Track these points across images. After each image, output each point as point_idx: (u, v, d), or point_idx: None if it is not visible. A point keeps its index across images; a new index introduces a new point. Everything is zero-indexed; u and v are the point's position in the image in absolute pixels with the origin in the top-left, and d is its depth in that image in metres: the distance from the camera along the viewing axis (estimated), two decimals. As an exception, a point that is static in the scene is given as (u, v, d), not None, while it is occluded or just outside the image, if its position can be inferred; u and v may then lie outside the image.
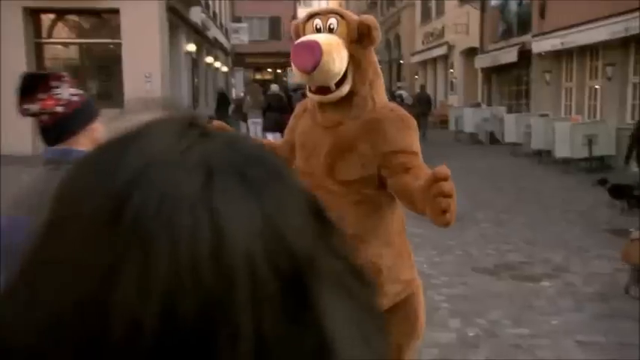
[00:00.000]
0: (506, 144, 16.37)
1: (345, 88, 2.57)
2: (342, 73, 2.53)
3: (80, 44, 16.07)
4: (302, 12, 48.33)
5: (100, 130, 1.90)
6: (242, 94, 20.30)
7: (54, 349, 0.34)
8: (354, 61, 2.58)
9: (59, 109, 1.77)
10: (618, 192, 8.67)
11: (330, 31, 2.61)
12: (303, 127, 2.75)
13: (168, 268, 0.33)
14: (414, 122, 2.73)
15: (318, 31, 2.64)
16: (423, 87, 21.96)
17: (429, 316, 4.14)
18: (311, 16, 2.71)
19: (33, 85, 1.76)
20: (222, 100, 20.84)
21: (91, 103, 1.93)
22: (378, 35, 2.72)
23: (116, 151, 0.37)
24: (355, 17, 2.68)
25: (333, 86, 2.55)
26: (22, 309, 0.35)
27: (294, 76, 2.63)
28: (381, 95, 2.81)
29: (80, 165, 0.39)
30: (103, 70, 16.21)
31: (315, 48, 2.45)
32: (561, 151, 12.64)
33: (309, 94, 2.66)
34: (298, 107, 2.96)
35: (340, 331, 0.36)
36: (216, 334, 0.33)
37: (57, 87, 1.80)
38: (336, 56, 2.50)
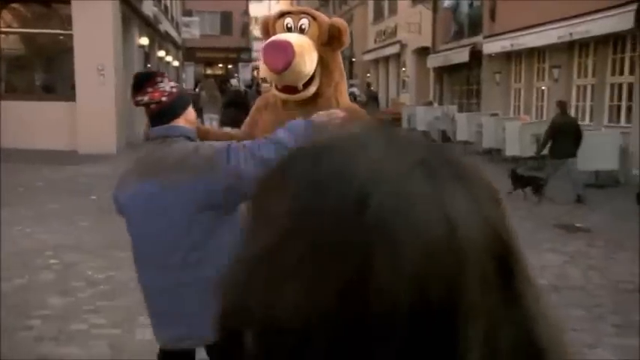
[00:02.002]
0: (458, 142, 16.79)
1: (312, 89, 2.62)
2: (311, 74, 2.58)
3: (26, 34, 15.57)
4: (253, 8, 47.97)
5: (192, 113, 2.36)
6: (196, 90, 20.04)
7: (318, 330, 0.39)
8: (323, 62, 2.63)
9: (164, 99, 2.23)
10: (519, 181, 9.53)
11: (301, 31, 2.64)
12: (265, 122, 2.76)
13: (413, 255, 0.39)
14: None
15: (289, 30, 2.66)
16: (369, 85, 22.19)
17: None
18: (282, 15, 2.73)
19: (143, 82, 2.25)
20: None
21: (185, 93, 2.44)
22: (348, 39, 2.77)
23: (346, 154, 0.43)
24: (327, 19, 2.72)
25: (300, 86, 2.60)
26: (290, 293, 0.40)
27: (263, 72, 2.65)
28: (345, 97, 2.87)
29: (316, 160, 0.43)
30: (50, 61, 15.76)
31: (287, 48, 2.48)
32: (511, 150, 13.06)
33: (275, 91, 2.68)
34: (259, 101, 2.96)
35: (535, 310, 0.43)
36: (456, 312, 0.39)
37: (161, 82, 2.26)
38: (307, 58, 2.54)
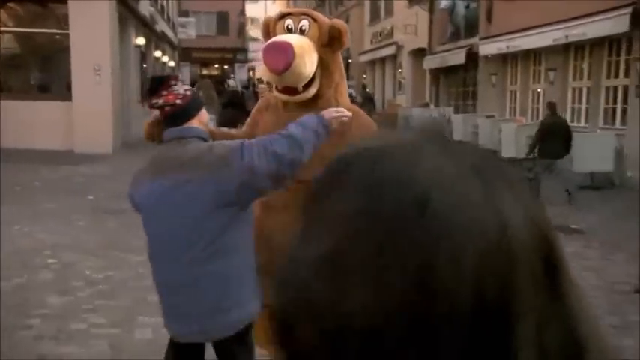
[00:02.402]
0: (454, 143, 16.82)
1: (312, 91, 2.63)
2: (311, 75, 2.59)
3: (22, 33, 15.53)
4: (250, 8, 47.90)
5: (205, 115, 2.44)
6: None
7: (385, 329, 0.41)
8: (323, 64, 2.64)
9: (178, 101, 2.31)
10: None
11: (302, 32, 2.64)
12: (266, 123, 2.78)
13: (471, 255, 0.41)
14: (375, 127, 2.82)
15: (290, 31, 2.67)
16: (365, 86, 22.19)
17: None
18: (283, 16, 2.73)
19: (158, 85, 2.34)
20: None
21: (198, 95, 2.49)
22: (349, 40, 2.78)
23: (404, 160, 0.45)
24: (327, 21, 2.72)
25: (300, 87, 2.60)
26: (356, 293, 0.42)
27: (262, 73, 2.65)
28: (345, 98, 2.87)
29: (375, 165, 0.46)
30: (47, 61, 15.74)
31: (287, 50, 2.49)
32: (507, 152, 13.10)
33: (275, 92, 2.69)
34: (261, 101, 2.97)
35: (578, 309, 0.46)
36: (510, 311, 0.42)
37: (175, 85, 2.35)
38: (307, 59, 2.55)
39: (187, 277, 2.24)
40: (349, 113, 2.37)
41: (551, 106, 10.13)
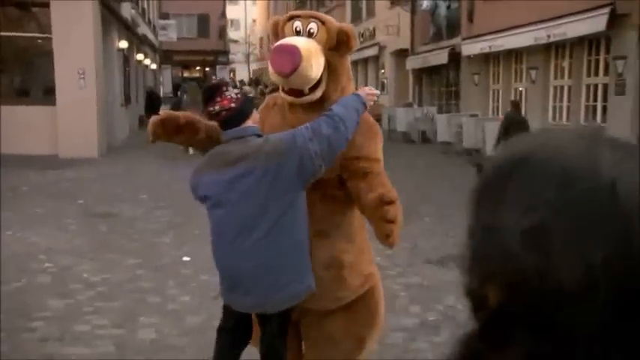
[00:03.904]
0: (439, 143, 17.01)
1: (318, 93, 2.64)
2: (317, 78, 2.60)
3: (4, 37, 15.30)
4: (231, 10, 47.60)
5: (256, 115, 2.69)
6: (178, 94, 19.92)
7: (593, 290, 0.52)
8: (330, 67, 2.64)
9: (232, 105, 2.55)
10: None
11: (310, 35, 2.65)
12: (272, 123, 2.81)
13: None
14: (379, 129, 2.88)
15: (298, 33, 2.67)
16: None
17: (391, 304, 4.41)
18: (291, 18, 2.75)
19: (213, 93, 2.56)
20: (152, 98, 20.35)
21: (249, 97, 2.75)
22: (356, 44, 2.82)
23: (582, 152, 0.57)
24: (335, 24, 2.73)
25: (306, 90, 2.61)
26: (566, 261, 0.53)
27: (270, 74, 2.69)
28: None
29: (560, 156, 0.57)
30: (29, 65, 15.60)
31: (294, 53, 2.50)
32: (491, 150, 13.29)
33: (281, 93, 2.72)
34: (269, 99, 2.98)
35: None
36: None
37: (226, 90, 2.58)
38: (314, 62, 2.56)
39: (251, 257, 2.47)
40: (378, 92, 2.65)
41: (514, 104, 11.25)
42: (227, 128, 2.58)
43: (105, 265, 5.83)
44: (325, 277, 2.66)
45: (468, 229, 0.63)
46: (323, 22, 2.68)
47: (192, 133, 2.84)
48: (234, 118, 2.56)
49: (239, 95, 2.60)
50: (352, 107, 2.57)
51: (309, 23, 2.68)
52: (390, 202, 2.47)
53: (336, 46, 2.67)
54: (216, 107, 2.55)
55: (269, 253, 2.46)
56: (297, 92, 2.64)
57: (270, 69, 2.59)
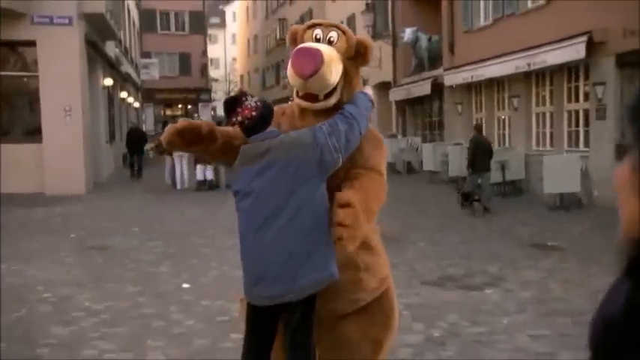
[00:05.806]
0: (424, 172, 17.19)
1: (333, 100, 2.69)
2: (335, 84, 2.66)
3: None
4: (211, 49, 47.72)
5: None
6: (164, 129, 19.86)
7: None
8: (346, 76, 2.71)
9: (254, 113, 2.66)
10: (465, 198, 11.35)
11: (330, 43, 2.72)
12: (282, 131, 2.81)
13: None
14: (384, 142, 2.98)
15: (318, 41, 2.74)
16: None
17: (395, 322, 4.46)
18: (312, 26, 2.82)
19: (233, 104, 2.68)
20: (135, 135, 20.26)
21: (268, 103, 2.82)
22: (373, 57, 2.93)
23: None
24: (354, 36, 2.81)
25: (322, 96, 2.67)
26: None
27: (289, 77, 2.72)
28: None
29: None
30: (15, 103, 15.57)
31: (317, 56, 2.57)
32: (466, 172, 13.44)
33: (296, 99, 2.77)
34: (278, 109, 2.99)
35: None
36: None
37: (246, 100, 2.70)
38: (334, 68, 2.63)
39: (275, 244, 2.55)
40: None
41: (477, 128, 11.94)
42: (251, 135, 2.70)
43: (106, 294, 5.80)
44: (341, 278, 2.62)
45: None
46: (343, 32, 2.77)
47: (211, 142, 2.78)
48: (257, 125, 2.68)
49: (259, 103, 2.71)
50: (363, 105, 2.77)
51: (329, 32, 2.76)
52: (344, 205, 2.42)
53: (354, 56, 2.75)
54: (239, 117, 2.67)
55: (293, 240, 2.55)
56: (312, 97, 2.69)
57: (290, 71, 2.62)
